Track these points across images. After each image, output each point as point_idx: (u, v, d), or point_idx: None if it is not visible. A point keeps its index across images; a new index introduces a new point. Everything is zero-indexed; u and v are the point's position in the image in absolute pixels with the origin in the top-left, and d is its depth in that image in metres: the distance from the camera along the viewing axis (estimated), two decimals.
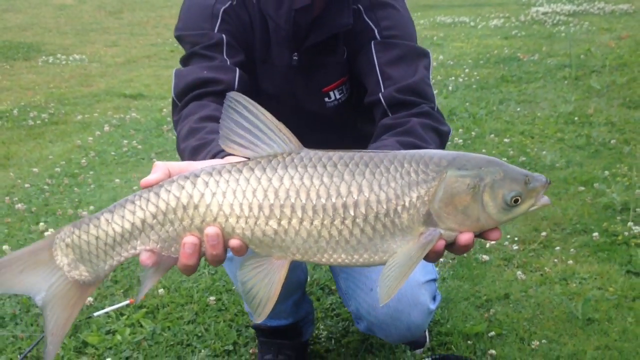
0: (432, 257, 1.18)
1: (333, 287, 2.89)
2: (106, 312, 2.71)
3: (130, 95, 7.05)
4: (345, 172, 1.12)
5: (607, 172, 4.01)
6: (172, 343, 2.52)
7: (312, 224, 1.12)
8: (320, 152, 1.15)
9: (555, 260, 3.05)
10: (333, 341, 2.53)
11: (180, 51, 7.57)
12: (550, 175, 4.07)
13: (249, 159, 1.16)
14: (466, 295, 2.78)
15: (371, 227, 1.13)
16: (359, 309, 1.96)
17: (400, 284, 1.12)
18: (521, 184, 1.15)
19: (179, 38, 1.85)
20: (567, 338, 2.46)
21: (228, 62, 1.71)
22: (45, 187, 4.26)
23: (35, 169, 4.65)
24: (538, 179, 1.16)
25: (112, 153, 4.98)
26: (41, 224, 3.59)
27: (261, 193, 1.12)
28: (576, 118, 5.23)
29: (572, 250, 3.13)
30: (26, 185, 4.31)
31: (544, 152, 4.46)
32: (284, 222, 1.12)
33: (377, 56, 1.76)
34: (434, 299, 1.95)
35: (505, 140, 4.83)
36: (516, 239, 3.26)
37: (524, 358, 2.35)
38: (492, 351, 2.37)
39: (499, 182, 1.14)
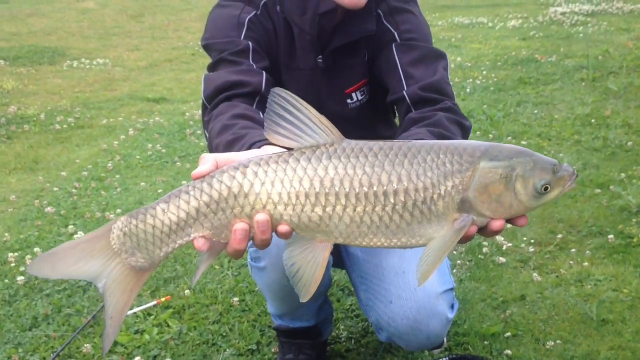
0: (463, 240, 1.27)
1: (353, 289, 2.98)
2: (134, 313, 2.82)
3: (153, 99, 7.19)
4: (386, 162, 1.21)
5: (623, 175, 4.06)
6: (198, 342, 2.63)
7: (354, 210, 1.20)
8: (361, 143, 1.23)
9: (571, 262, 3.12)
10: (353, 341, 2.62)
11: (202, 54, 7.61)
12: None
13: (290, 149, 1.24)
14: (483, 296, 2.85)
15: (409, 213, 1.21)
16: (379, 320, 2.03)
17: (435, 267, 1.22)
18: (550, 173, 1.23)
19: (206, 47, 1.94)
20: (581, 338, 2.53)
21: (255, 67, 1.80)
22: (73, 190, 4.39)
23: (63, 173, 4.79)
24: (566, 169, 1.24)
25: (137, 157, 5.11)
26: (70, 226, 3.72)
27: (307, 182, 1.20)
28: (593, 120, 5.27)
29: (587, 252, 3.19)
30: (55, 188, 4.45)
31: (561, 155, 4.51)
32: (329, 209, 1.21)
33: (398, 57, 1.87)
34: (451, 307, 2.01)
35: (523, 142, 4.88)
36: (532, 241, 3.33)
37: (539, 358, 2.43)
38: (508, 351, 2.45)
39: (529, 171, 1.22)
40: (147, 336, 2.66)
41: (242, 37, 1.85)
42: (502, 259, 3.13)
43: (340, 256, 2.24)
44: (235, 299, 2.90)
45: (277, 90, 1.22)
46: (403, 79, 1.84)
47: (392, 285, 1.97)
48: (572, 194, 3.87)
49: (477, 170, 1.21)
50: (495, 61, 8.08)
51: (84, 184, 4.53)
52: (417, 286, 1.25)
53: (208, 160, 1.25)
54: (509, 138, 4.98)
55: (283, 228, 1.23)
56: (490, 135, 5.09)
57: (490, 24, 11.40)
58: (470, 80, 7.03)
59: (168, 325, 2.75)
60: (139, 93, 7.48)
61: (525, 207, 1.25)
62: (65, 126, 6.13)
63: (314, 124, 1.22)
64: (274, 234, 1.25)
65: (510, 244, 3.29)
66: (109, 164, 4.92)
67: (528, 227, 3.48)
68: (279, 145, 1.25)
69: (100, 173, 4.75)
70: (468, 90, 6.64)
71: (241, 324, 2.73)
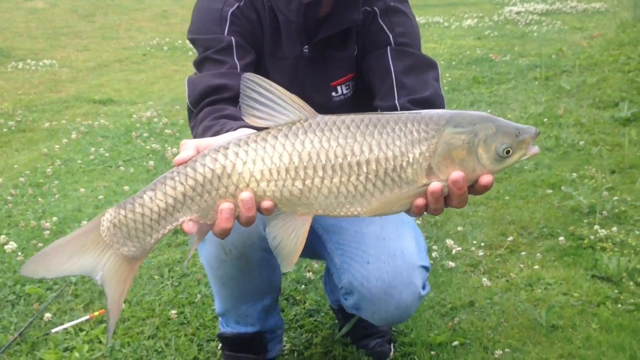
0: (433, 202, 1.32)
1: (298, 298, 2.86)
2: (64, 328, 2.65)
3: (99, 100, 6.95)
4: (357, 133, 1.28)
5: (575, 174, 4.02)
6: (130, 359, 2.47)
7: (331, 181, 1.28)
8: (333, 117, 1.30)
9: (522, 265, 3.04)
10: (296, 354, 2.49)
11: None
12: (518, 178, 4.07)
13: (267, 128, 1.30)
14: (431, 303, 2.75)
15: (381, 181, 1.29)
16: (352, 282, 1.96)
17: (387, 206, 1.31)
18: (512, 137, 1.29)
19: (192, 41, 1.96)
20: (531, 346, 2.44)
21: (238, 66, 1.82)
22: (9, 197, 4.17)
23: None
24: (527, 131, 1.30)
25: (79, 161, 4.90)
26: (2, 236, 3.51)
27: (286, 157, 1.27)
28: (546, 119, 5.24)
29: (538, 254, 3.12)
30: None
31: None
32: (308, 182, 1.28)
33: (392, 63, 1.90)
34: (423, 287, 1.98)
35: None
36: (482, 244, 3.25)
37: None
38: None
39: (491, 136, 1.28)
40: (76, 354, 2.50)
41: (226, 32, 1.86)
42: (452, 264, 3.04)
43: (310, 242, 2.13)
44: (174, 311, 2.75)
45: (248, 75, 1.28)
46: (395, 88, 1.86)
47: (371, 248, 1.94)
48: (524, 195, 3.81)
49: (441, 137, 1.28)
50: (450, 60, 8.05)
51: (20, 190, 4.31)
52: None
53: (189, 146, 1.30)
54: None
55: (266, 204, 1.29)
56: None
57: (446, 24, 11.41)
58: None
59: (100, 342, 2.59)
60: (86, 95, 7.24)
61: (488, 171, 1.31)
62: (5, 130, 5.87)
63: (286, 103, 1.28)
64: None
65: (459, 248, 3.20)
66: (49, 169, 4.70)
67: (478, 229, 3.40)
68: (255, 128, 1.31)
69: (38, 179, 4.53)
70: None
71: (178, 339, 2.58)
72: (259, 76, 1.28)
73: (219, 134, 1.50)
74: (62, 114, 6.45)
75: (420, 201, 1.33)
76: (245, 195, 1.27)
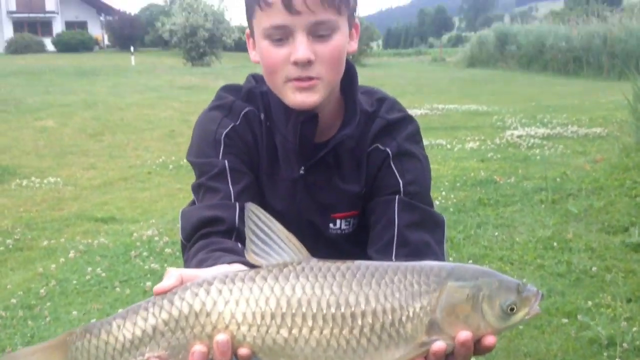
0: None
1: None
2: None
3: (101, 218, 6.88)
4: (354, 282, 1.18)
5: (590, 302, 3.85)
6: None
7: (321, 332, 1.15)
8: (328, 262, 1.20)
9: None
10: None
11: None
12: None
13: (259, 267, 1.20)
14: None
15: (377, 336, 1.17)
16: None
17: None
18: (515, 293, 1.21)
19: (190, 163, 1.90)
20: None
21: (232, 193, 1.74)
22: None
23: None
24: (529, 289, 1.22)
25: (74, 282, 4.75)
26: None
27: (274, 301, 1.15)
28: (555, 243, 5.12)
29: None
30: None
31: (525, 280, 4.29)
32: (295, 331, 1.16)
33: (398, 215, 1.77)
34: None
35: (485, 266, 4.67)
36: None
37: None
38: None
39: (495, 291, 1.20)
40: None
41: (220, 155, 1.79)
42: None
43: None
44: None
45: (249, 205, 1.22)
46: (395, 244, 1.74)
47: None
48: (539, 324, 3.62)
49: (444, 291, 1.19)
50: (455, 182, 8.03)
51: (11, 312, 4.14)
52: None
53: (173, 275, 1.20)
54: (470, 261, 4.78)
55: (244, 351, 1.16)
56: (451, 259, 4.88)
57: (448, 146, 11.53)
58: None
59: None
60: (88, 213, 7.18)
61: (493, 328, 1.21)
62: (2, 248, 5.76)
63: (282, 241, 1.20)
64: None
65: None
66: (42, 290, 4.54)
67: None
68: (249, 265, 1.22)
69: (31, 300, 4.36)
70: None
71: None
72: (258, 208, 1.21)
73: (210, 264, 1.40)
74: (61, 232, 6.36)
75: None
76: (221, 337, 1.15)
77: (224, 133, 1.81)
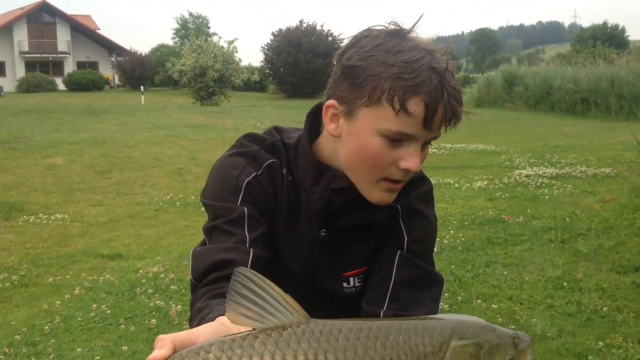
0: None
1: None
2: None
3: (107, 255, 6.86)
4: (358, 345, 1.11)
5: (601, 343, 3.77)
6: None
7: None
8: (328, 323, 1.12)
9: None
10: None
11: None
12: (542, 346, 3.82)
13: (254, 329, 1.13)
14: None
15: None
16: None
17: None
18: (512, 347, 1.21)
19: (204, 205, 1.84)
20: None
21: (248, 239, 1.69)
22: (1, 357, 3.96)
23: None
24: (524, 340, 1.22)
25: (79, 318, 4.71)
26: None
27: None
28: (565, 283, 5.05)
29: None
30: None
31: (534, 320, 4.24)
32: None
33: (397, 271, 1.76)
34: None
35: (494, 306, 4.61)
36: None
37: None
38: None
39: (495, 347, 1.19)
40: None
41: (239, 202, 1.74)
42: None
43: None
44: None
45: (240, 269, 1.12)
46: (388, 297, 1.73)
47: None
48: None
49: (449, 351, 1.16)
50: (463, 221, 7.98)
51: (15, 349, 4.10)
52: None
53: (165, 344, 1.10)
54: (479, 301, 4.71)
55: None
56: (459, 298, 4.82)
57: (456, 185, 11.50)
58: (438, 239, 6.84)
59: None
60: (94, 249, 7.16)
61: None
62: (7, 284, 5.73)
63: (278, 304, 1.11)
64: None
65: None
66: (47, 327, 4.50)
67: None
68: (246, 326, 1.12)
69: (35, 337, 4.32)
70: (436, 249, 6.42)
71: None
72: (251, 270, 1.14)
73: (204, 321, 1.35)
74: (67, 269, 6.34)
75: None
76: None
77: (246, 181, 1.78)
